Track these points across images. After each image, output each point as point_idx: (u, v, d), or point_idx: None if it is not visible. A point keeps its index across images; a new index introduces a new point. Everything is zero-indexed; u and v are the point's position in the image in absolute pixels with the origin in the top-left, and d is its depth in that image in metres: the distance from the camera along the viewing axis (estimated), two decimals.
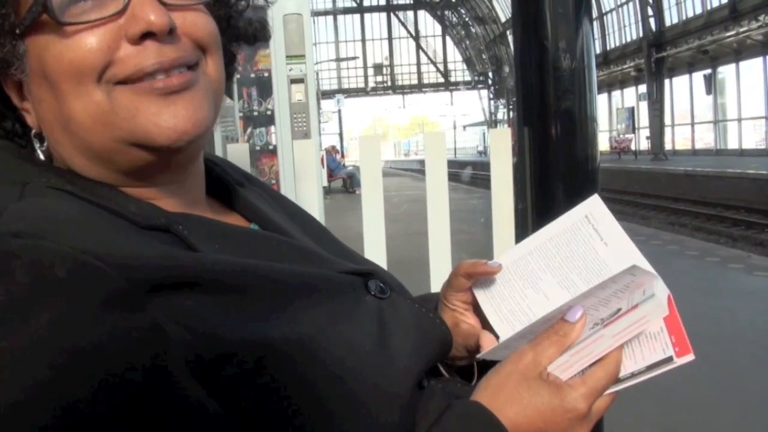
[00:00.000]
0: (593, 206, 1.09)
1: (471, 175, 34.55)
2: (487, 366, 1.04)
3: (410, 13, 72.51)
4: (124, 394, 0.69)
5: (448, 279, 1.17)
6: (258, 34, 1.11)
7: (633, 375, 0.96)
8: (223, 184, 1.12)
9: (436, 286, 3.56)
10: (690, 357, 0.94)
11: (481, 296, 1.13)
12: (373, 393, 0.88)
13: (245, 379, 0.79)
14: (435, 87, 74.93)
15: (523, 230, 2.30)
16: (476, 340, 1.10)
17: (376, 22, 72.07)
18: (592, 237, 1.07)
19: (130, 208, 0.89)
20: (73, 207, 0.85)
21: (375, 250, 3.44)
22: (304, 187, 3.67)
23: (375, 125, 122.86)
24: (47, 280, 0.70)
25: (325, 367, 0.85)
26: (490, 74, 67.16)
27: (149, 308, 0.74)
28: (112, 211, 0.87)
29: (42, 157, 0.94)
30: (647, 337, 0.96)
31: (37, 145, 0.94)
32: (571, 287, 1.06)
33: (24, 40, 0.87)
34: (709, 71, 34.72)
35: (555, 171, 2.06)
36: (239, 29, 1.07)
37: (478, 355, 1.07)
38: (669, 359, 0.94)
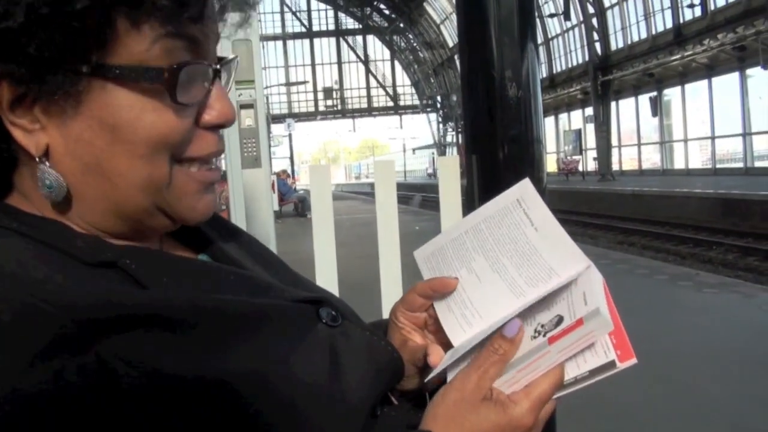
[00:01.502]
0: (524, 190, 1.09)
1: (421, 201, 34.64)
2: (436, 389, 1.05)
3: (359, 38, 72.71)
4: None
5: (402, 297, 1.18)
6: None
7: (576, 380, 0.96)
8: None
9: (387, 308, 3.57)
10: (633, 361, 0.94)
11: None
12: (326, 426, 0.88)
13: (194, 416, 0.78)
14: (384, 111, 75.03)
15: None
16: (423, 354, 1.10)
17: (326, 46, 72.13)
18: (523, 221, 1.08)
19: (77, 243, 0.87)
20: (18, 247, 0.83)
21: (326, 276, 3.44)
22: (255, 213, 3.67)
23: (326, 148, 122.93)
24: None
25: (276, 402, 0.84)
26: (439, 98, 67.53)
27: (96, 348, 0.73)
28: (56, 248, 0.85)
29: (61, 180, 0.88)
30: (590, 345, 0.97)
31: (47, 167, 0.87)
32: (501, 271, 1.08)
33: (92, 79, 0.84)
34: (654, 93, 35.29)
35: None
36: None
37: (426, 379, 1.08)
38: (611, 364, 0.95)
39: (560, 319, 0.97)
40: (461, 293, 1.10)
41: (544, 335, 0.97)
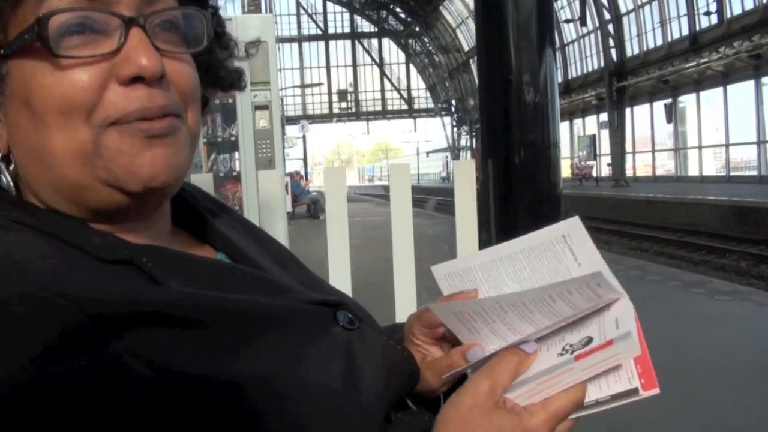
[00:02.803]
0: (573, 227, 1.07)
1: (435, 206, 34.52)
2: (449, 393, 1.04)
3: (374, 41, 72.71)
4: (80, 428, 0.69)
5: (417, 312, 1.16)
6: (234, 84, 1.12)
7: (597, 403, 0.95)
8: (192, 212, 1.11)
9: (400, 311, 3.57)
10: (655, 391, 0.93)
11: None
12: (340, 429, 0.88)
13: (207, 416, 0.78)
14: (399, 114, 75.03)
15: None
16: (447, 364, 1.09)
17: (341, 48, 72.15)
18: (567, 256, 1.06)
19: (93, 241, 0.88)
20: (34, 242, 0.84)
21: (340, 278, 3.44)
22: (268, 215, 3.67)
23: (339, 151, 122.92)
24: (6, 318, 0.70)
25: (291, 405, 0.84)
26: (453, 102, 67.45)
27: (110, 343, 0.73)
28: (74, 246, 0.86)
29: (9, 180, 0.92)
30: (615, 367, 0.97)
31: (2, 167, 0.92)
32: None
33: (8, 61, 0.86)
34: (669, 100, 35.15)
35: (519, 201, 2.08)
36: (218, 77, 1.08)
37: (445, 376, 1.07)
38: (634, 391, 0.94)
39: (589, 340, 0.96)
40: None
41: (572, 353, 0.96)
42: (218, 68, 1.07)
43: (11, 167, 0.92)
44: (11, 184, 0.92)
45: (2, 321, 0.70)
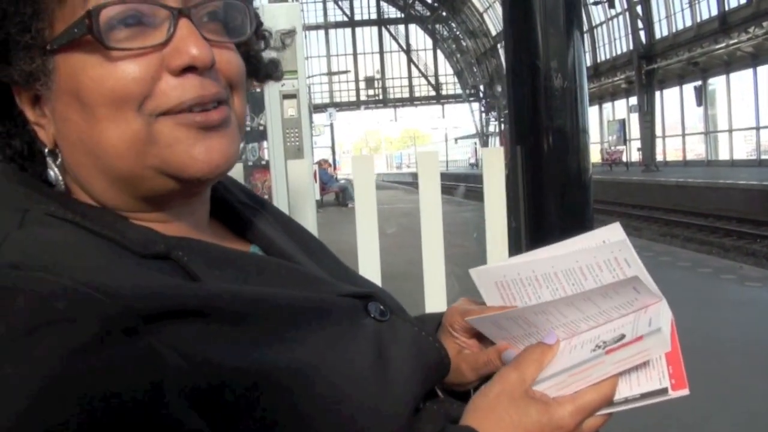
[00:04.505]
0: (613, 233, 1.08)
1: (464, 193, 34.45)
2: (479, 385, 1.05)
3: (401, 27, 72.61)
4: (121, 422, 0.69)
5: (459, 306, 1.18)
6: (271, 74, 1.13)
7: (627, 400, 0.96)
8: (226, 204, 1.12)
9: (430, 300, 3.57)
10: (685, 392, 0.93)
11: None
12: (370, 420, 0.89)
13: (242, 407, 0.79)
14: (426, 100, 74.97)
15: (516, 248, 2.31)
16: (484, 360, 1.11)
17: (368, 35, 72.12)
18: (604, 264, 1.05)
19: (130, 235, 0.89)
20: (72, 237, 0.85)
21: (369, 266, 3.45)
22: (297, 203, 3.68)
23: (367, 138, 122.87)
24: (46, 313, 0.71)
25: (323, 395, 0.86)
26: (482, 88, 67.22)
27: (146, 337, 0.74)
28: (111, 239, 0.87)
29: (58, 174, 0.93)
30: (646, 364, 0.97)
31: (50, 162, 0.93)
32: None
33: (55, 56, 0.87)
34: (699, 83, 34.81)
35: (548, 188, 2.07)
36: (256, 67, 1.08)
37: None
38: (664, 390, 0.94)
39: (622, 337, 0.97)
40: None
41: (603, 348, 0.96)
42: (256, 59, 1.08)
43: (58, 161, 0.94)
44: (60, 178, 0.94)
45: (43, 315, 0.71)
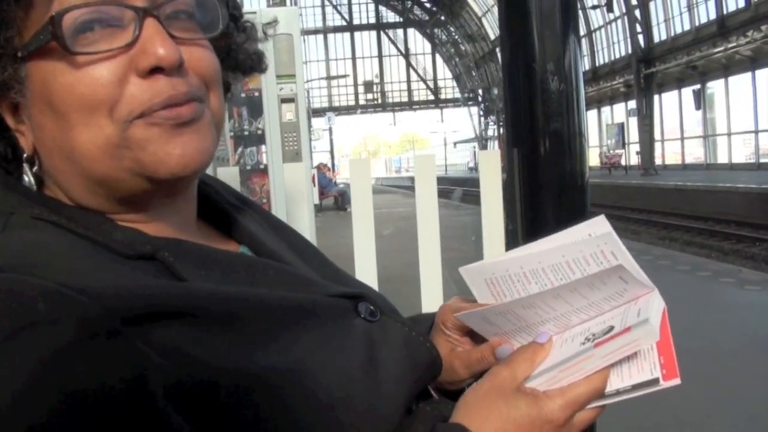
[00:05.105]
0: (598, 225, 1.07)
1: (461, 196, 34.44)
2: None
3: (400, 31, 72.66)
4: (104, 423, 0.69)
5: (451, 303, 1.17)
6: (255, 66, 1.12)
7: (618, 392, 0.95)
8: (215, 206, 1.12)
9: (426, 302, 3.58)
10: (676, 381, 0.92)
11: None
12: (360, 421, 0.88)
13: (229, 409, 0.79)
14: (425, 104, 75.00)
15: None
16: (477, 357, 1.10)
17: (366, 40, 72.18)
18: (591, 257, 1.04)
19: (116, 236, 0.89)
20: (56, 239, 0.85)
21: (366, 269, 3.45)
22: (295, 208, 3.69)
23: (366, 142, 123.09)
24: (28, 314, 0.70)
25: (312, 397, 0.85)
26: (480, 92, 67.26)
27: (129, 339, 0.74)
28: (97, 241, 0.87)
29: (32, 180, 0.93)
30: (637, 356, 0.96)
31: (26, 168, 0.93)
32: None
33: (26, 64, 0.87)
34: (698, 86, 34.87)
35: (545, 191, 2.06)
36: (238, 60, 1.08)
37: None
38: (655, 381, 0.93)
39: (611, 329, 0.96)
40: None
41: (593, 341, 0.96)
42: (237, 52, 1.07)
43: (35, 168, 0.93)
44: (32, 182, 0.93)
45: (25, 318, 0.70)
